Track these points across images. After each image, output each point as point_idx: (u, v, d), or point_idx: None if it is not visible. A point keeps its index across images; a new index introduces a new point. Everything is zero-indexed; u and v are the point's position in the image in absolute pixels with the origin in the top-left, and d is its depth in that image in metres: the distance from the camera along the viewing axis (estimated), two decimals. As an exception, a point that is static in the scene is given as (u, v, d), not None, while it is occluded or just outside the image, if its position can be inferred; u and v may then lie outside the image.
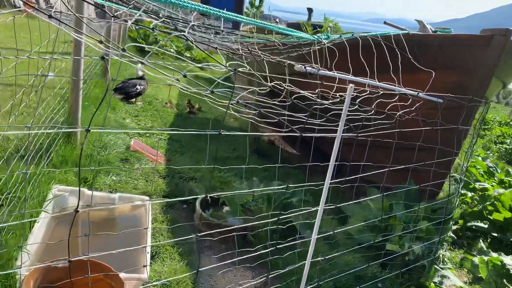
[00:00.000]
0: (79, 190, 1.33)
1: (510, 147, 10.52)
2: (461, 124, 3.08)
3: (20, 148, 3.09)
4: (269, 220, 1.96)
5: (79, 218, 2.82)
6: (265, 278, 2.39)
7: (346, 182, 2.30)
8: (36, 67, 2.69)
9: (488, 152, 9.84)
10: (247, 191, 2.83)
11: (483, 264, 2.92)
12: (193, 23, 1.93)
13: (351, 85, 1.98)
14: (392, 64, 2.85)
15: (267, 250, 1.95)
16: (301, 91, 2.08)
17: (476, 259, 3.06)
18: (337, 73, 2.50)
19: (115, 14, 1.47)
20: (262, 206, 3.06)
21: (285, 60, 2.27)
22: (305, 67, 2.34)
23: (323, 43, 2.63)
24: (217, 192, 3.68)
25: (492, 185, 5.16)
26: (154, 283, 2.46)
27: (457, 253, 4.14)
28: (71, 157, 3.42)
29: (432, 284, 2.99)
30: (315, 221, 2.19)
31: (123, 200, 2.93)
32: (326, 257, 2.32)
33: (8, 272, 1.83)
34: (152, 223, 3.12)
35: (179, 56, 1.73)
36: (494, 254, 3.10)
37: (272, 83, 1.86)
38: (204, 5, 1.78)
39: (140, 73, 6.17)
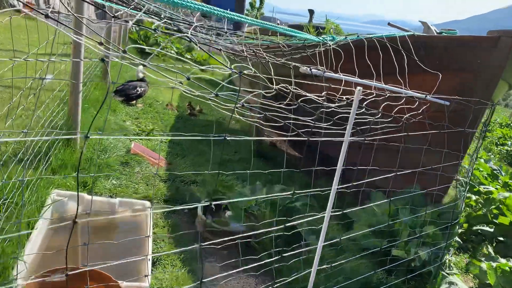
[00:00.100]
0: (78, 198, 1.27)
1: (511, 148, 10.47)
2: (467, 127, 3.02)
3: (18, 152, 3.03)
4: (274, 228, 1.89)
5: (79, 223, 2.76)
6: (270, 286, 2.32)
7: (353, 187, 2.25)
8: (34, 69, 2.63)
9: (489, 153, 9.78)
10: (252, 197, 2.76)
11: (492, 270, 2.86)
12: (196, 24, 1.87)
13: (359, 88, 1.92)
14: (397, 66, 2.79)
15: (272, 259, 1.89)
16: (307, 94, 2.02)
17: (484, 265, 3.00)
18: (343, 75, 2.44)
19: (116, 14, 1.41)
20: (265, 210, 2.99)
21: (290, 62, 2.20)
22: (310, 69, 2.28)
23: (328, 44, 2.57)
24: (219, 196, 3.61)
25: (497, 188, 5.10)
26: (156, 291, 2.40)
27: (462, 258, 4.07)
28: (70, 160, 3.35)
29: (440, 290, 2.93)
30: (320, 227, 2.13)
31: (123, 205, 2.86)
32: (333, 265, 2.25)
33: (3, 283, 1.76)
34: (153, 228, 3.06)
35: (180, 57, 1.67)
36: (503, 260, 3.04)
37: (278, 86, 1.80)
38: (207, 5, 1.72)
39: (141, 75, 6.12)
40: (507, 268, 2.86)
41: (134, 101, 6.07)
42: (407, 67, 2.82)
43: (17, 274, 1.74)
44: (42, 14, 1.09)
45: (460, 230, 4.26)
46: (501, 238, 4.20)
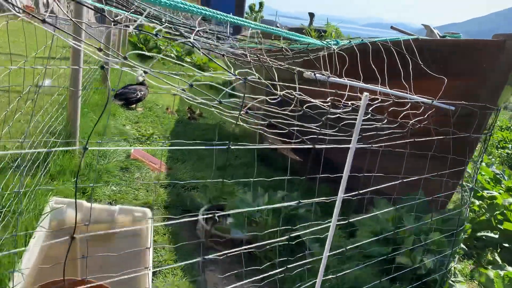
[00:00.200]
0: (76, 213, 1.21)
1: None
2: (472, 132, 2.97)
3: (16, 158, 2.97)
4: (279, 239, 1.84)
5: (78, 231, 2.71)
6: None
7: (359, 194, 2.19)
8: (32, 74, 2.58)
9: (490, 157, 9.72)
10: (255, 208, 2.71)
11: (499, 278, 2.80)
12: (198, 29, 1.82)
13: (365, 94, 1.87)
14: (401, 71, 2.74)
15: (276, 271, 1.83)
16: (312, 100, 1.97)
17: (491, 273, 2.94)
18: (347, 80, 2.39)
19: (115, 19, 1.36)
20: (267, 218, 2.94)
21: (294, 67, 2.16)
22: (314, 74, 2.23)
23: (332, 49, 2.53)
24: (220, 202, 3.56)
25: (500, 193, 5.04)
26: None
27: (466, 264, 4.02)
28: (69, 166, 3.30)
29: (446, 299, 2.87)
30: (325, 235, 2.08)
31: (123, 213, 2.80)
32: (338, 275, 2.19)
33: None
34: (153, 236, 3.00)
35: (181, 63, 1.62)
36: (510, 268, 2.98)
37: (283, 92, 1.75)
38: (209, 9, 1.67)
39: (141, 79, 6.07)
40: (514, 277, 2.80)
41: (134, 105, 6.02)
42: (412, 72, 2.78)
43: (13, 287, 1.68)
44: (39, 19, 1.04)
45: (464, 236, 4.21)
46: (506, 244, 4.15)
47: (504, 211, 4.35)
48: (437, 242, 3.08)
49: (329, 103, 2.01)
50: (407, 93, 2.59)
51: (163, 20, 2.55)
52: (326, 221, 2.27)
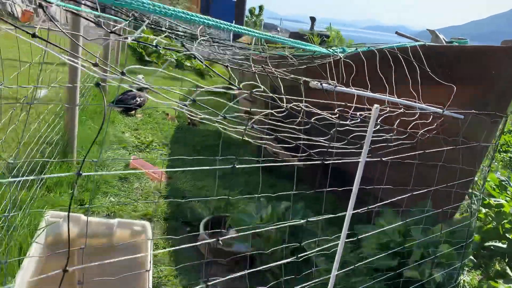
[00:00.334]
0: (69, 245, 1.12)
1: (515, 156, 10.33)
2: (482, 141, 2.89)
3: (12, 169, 2.88)
4: (285, 260, 1.75)
5: (75, 245, 2.61)
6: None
7: (366, 206, 2.11)
8: (27, 81, 2.49)
9: (493, 161, 9.62)
10: (262, 227, 2.62)
11: (511, 293, 2.71)
12: (200, 39, 1.73)
13: (376, 105, 1.79)
14: (410, 78, 2.66)
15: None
16: (320, 112, 1.88)
17: (503, 288, 2.85)
18: (354, 89, 2.30)
19: (113, 30, 1.27)
20: (271, 232, 2.84)
21: (300, 77, 2.07)
22: (321, 84, 2.14)
23: (339, 57, 2.44)
24: (221, 213, 3.46)
25: (507, 200, 4.95)
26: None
27: (474, 275, 3.92)
28: (66, 177, 3.20)
29: (456, 314, 2.77)
30: (332, 250, 2.00)
31: (122, 226, 2.71)
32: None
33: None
34: (153, 249, 2.91)
35: (182, 75, 1.53)
36: (523, 283, 2.88)
37: (289, 105, 1.66)
38: (213, 19, 1.58)
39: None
40: (527, 291, 2.71)
41: (133, 112, 5.94)
42: (420, 79, 2.69)
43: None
44: (29, 33, 0.95)
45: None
46: (515, 255, 4.05)
47: (512, 220, 4.25)
48: (446, 255, 2.99)
49: (337, 115, 1.92)
50: (415, 101, 2.51)
51: (163, 28, 2.46)
52: (333, 237, 2.18)
